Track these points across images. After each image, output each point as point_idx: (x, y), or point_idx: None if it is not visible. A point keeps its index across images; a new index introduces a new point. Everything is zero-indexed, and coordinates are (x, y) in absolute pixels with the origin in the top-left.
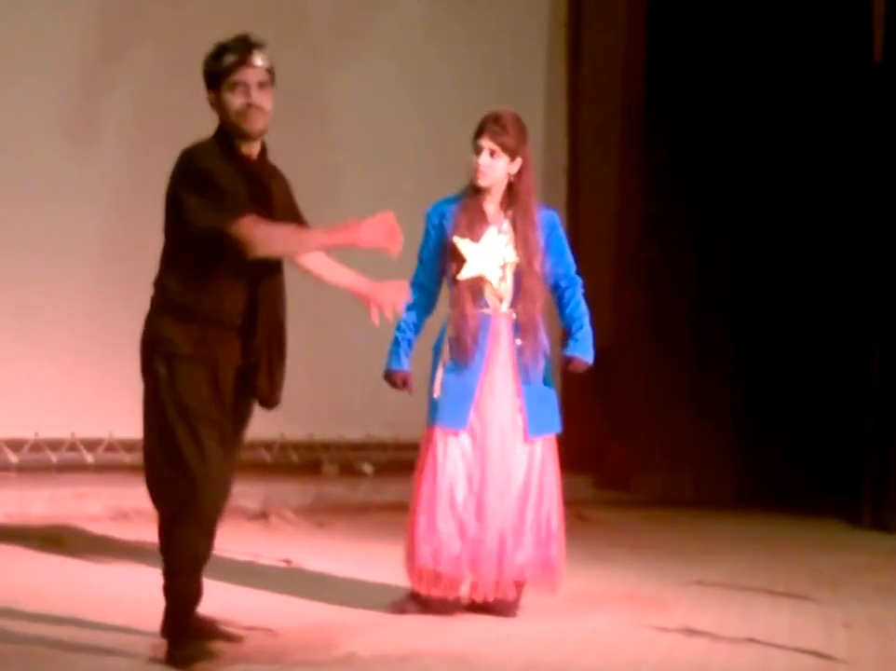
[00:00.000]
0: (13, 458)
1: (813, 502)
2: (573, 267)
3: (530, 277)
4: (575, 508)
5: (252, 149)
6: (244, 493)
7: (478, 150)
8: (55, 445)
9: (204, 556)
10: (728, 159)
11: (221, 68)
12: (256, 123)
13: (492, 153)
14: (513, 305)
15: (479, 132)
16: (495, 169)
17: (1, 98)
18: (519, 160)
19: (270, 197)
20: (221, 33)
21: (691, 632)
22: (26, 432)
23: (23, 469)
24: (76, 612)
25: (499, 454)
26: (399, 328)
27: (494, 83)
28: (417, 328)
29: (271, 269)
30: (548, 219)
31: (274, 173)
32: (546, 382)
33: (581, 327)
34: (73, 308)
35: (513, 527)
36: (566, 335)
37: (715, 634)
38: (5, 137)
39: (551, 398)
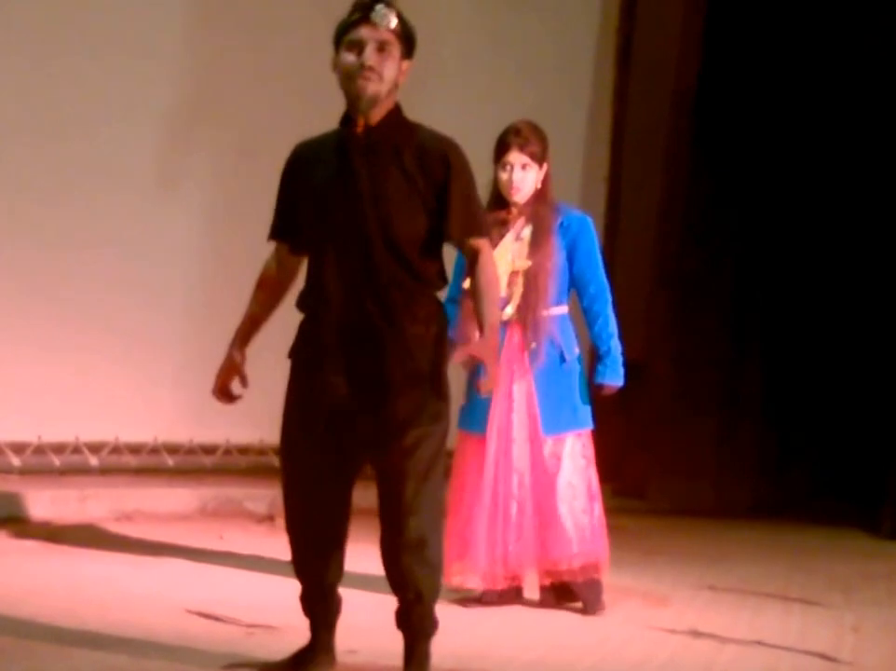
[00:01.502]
0: (15, 461)
1: (832, 511)
2: (601, 273)
3: (540, 278)
4: None
5: (372, 117)
6: (251, 496)
7: (506, 166)
8: (58, 448)
9: (303, 564)
10: (776, 178)
11: (341, 26)
12: (364, 87)
13: (523, 166)
14: (522, 310)
15: (503, 149)
16: (528, 181)
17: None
18: (545, 165)
19: (367, 178)
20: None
21: (699, 633)
22: (29, 436)
23: (26, 472)
24: (77, 611)
25: (516, 456)
26: None
27: (538, 88)
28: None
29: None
30: (577, 222)
31: (397, 144)
32: (568, 381)
33: (609, 350)
34: (78, 310)
35: (539, 522)
36: (596, 357)
37: (723, 636)
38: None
39: (572, 397)
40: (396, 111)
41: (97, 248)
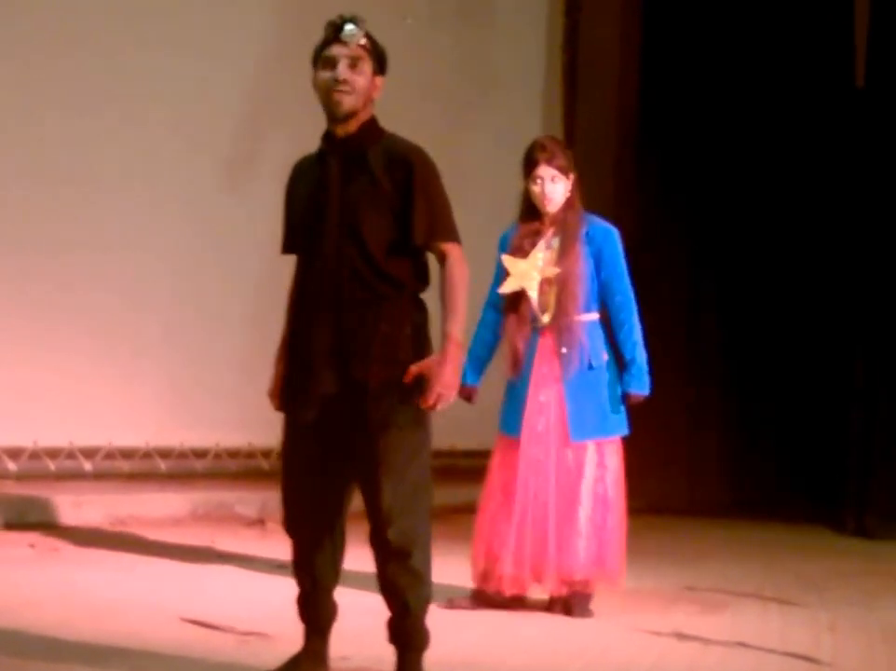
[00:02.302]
0: (12, 466)
1: (800, 510)
2: (627, 283)
3: (570, 283)
4: None
5: (348, 129)
6: (242, 500)
7: (537, 179)
8: (53, 453)
9: (300, 562)
10: (720, 178)
11: (317, 46)
12: (340, 101)
13: (553, 178)
14: (556, 316)
15: (532, 164)
16: (558, 192)
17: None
18: (572, 176)
19: (337, 184)
20: None
21: (682, 636)
22: (25, 441)
23: (22, 477)
24: (72, 621)
25: (543, 461)
26: (472, 345)
27: (493, 104)
28: (489, 345)
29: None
30: (602, 232)
31: (365, 151)
32: (595, 388)
33: (634, 359)
34: (72, 318)
35: (560, 529)
36: (623, 366)
37: (706, 638)
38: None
39: (598, 403)
40: (370, 122)
41: (89, 256)
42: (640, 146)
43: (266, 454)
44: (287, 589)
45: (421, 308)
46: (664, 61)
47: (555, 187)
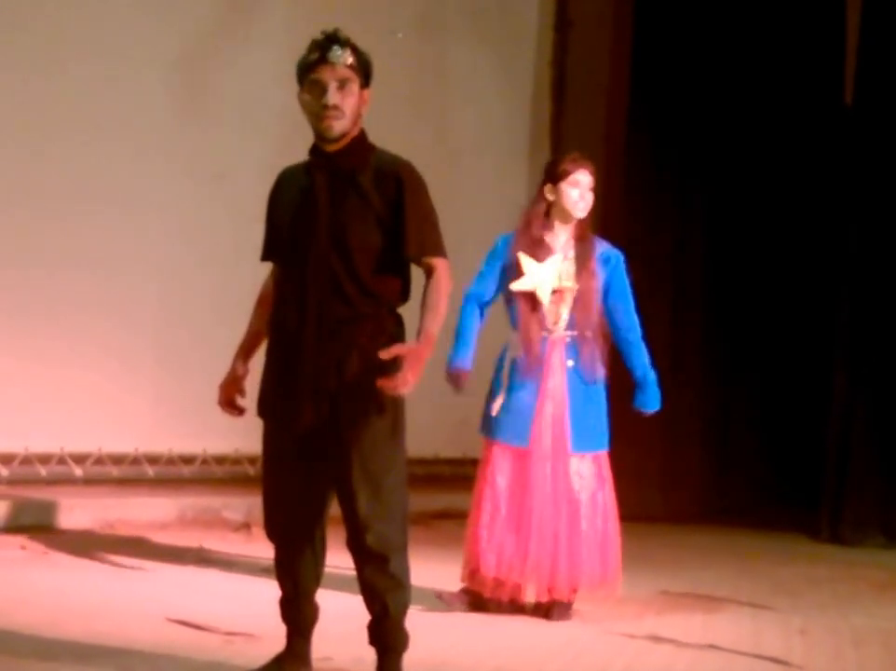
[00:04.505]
0: (4, 471)
1: (775, 517)
2: (633, 305)
3: (588, 300)
4: None
5: (338, 145)
6: (228, 505)
7: (577, 184)
8: (45, 458)
9: (281, 566)
10: (709, 195)
11: (302, 66)
12: (331, 126)
13: (590, 187)
14: (570, 328)
15: (569, 170)
16: (590, 203)
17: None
18: None
19: (326, 199)
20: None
21: (657, 638)
22: (17, 447)
23: (14, 482)
24: (61, 621)
25: (546, 470)
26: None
27: (482, 118)
28: (475, 331)
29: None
30: (615, 257)
31: (355, 167)
32: (595, 402)
33: (646, 376)
34: (63, 328)
35: (566, 538)
36: (634, 383)
37: (679, 640)
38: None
39: (598, 417)
40: (359, 138)
41: (79, 267)
42: (628, 162)
43: (253, 460)
44: (272, 591)
45: (399, 323)
46: (654, 77)
47: (591, 196)
